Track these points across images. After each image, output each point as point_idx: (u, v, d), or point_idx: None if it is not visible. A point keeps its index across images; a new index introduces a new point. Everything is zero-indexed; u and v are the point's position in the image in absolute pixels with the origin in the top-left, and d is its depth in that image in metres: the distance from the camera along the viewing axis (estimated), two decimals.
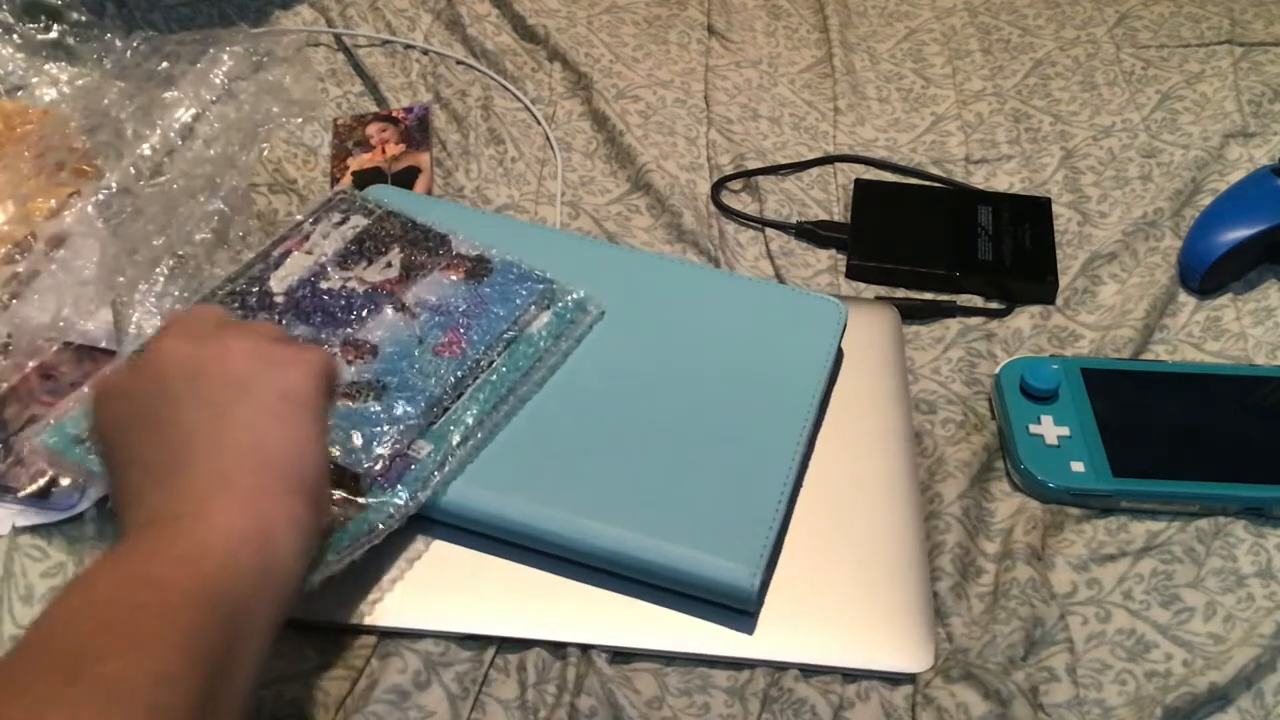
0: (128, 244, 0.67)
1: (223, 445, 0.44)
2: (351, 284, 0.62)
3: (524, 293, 0.62)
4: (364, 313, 0.60)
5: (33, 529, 0.57)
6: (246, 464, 0.44)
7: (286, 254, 0.63)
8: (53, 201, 0.68)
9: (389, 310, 0.60)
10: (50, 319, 0.64)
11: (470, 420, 0.57)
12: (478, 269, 0.63)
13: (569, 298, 0.63)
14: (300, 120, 0.77)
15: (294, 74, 0.77)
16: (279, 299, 0.60)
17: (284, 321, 0.59)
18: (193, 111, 0.74)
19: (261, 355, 0.47)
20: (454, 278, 0.62)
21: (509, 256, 0.64)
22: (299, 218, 0.66)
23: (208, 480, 0.43)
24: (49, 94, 0.75)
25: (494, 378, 0.59)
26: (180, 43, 0.77)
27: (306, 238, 0.64)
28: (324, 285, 0.61)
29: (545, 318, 0.62)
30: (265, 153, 0.74)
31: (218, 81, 0.74)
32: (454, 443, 0.56)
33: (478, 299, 0.61)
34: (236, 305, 0.60)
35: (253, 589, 0.41)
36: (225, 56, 0.76)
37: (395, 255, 0.63)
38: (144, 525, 0.42)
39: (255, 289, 0.61)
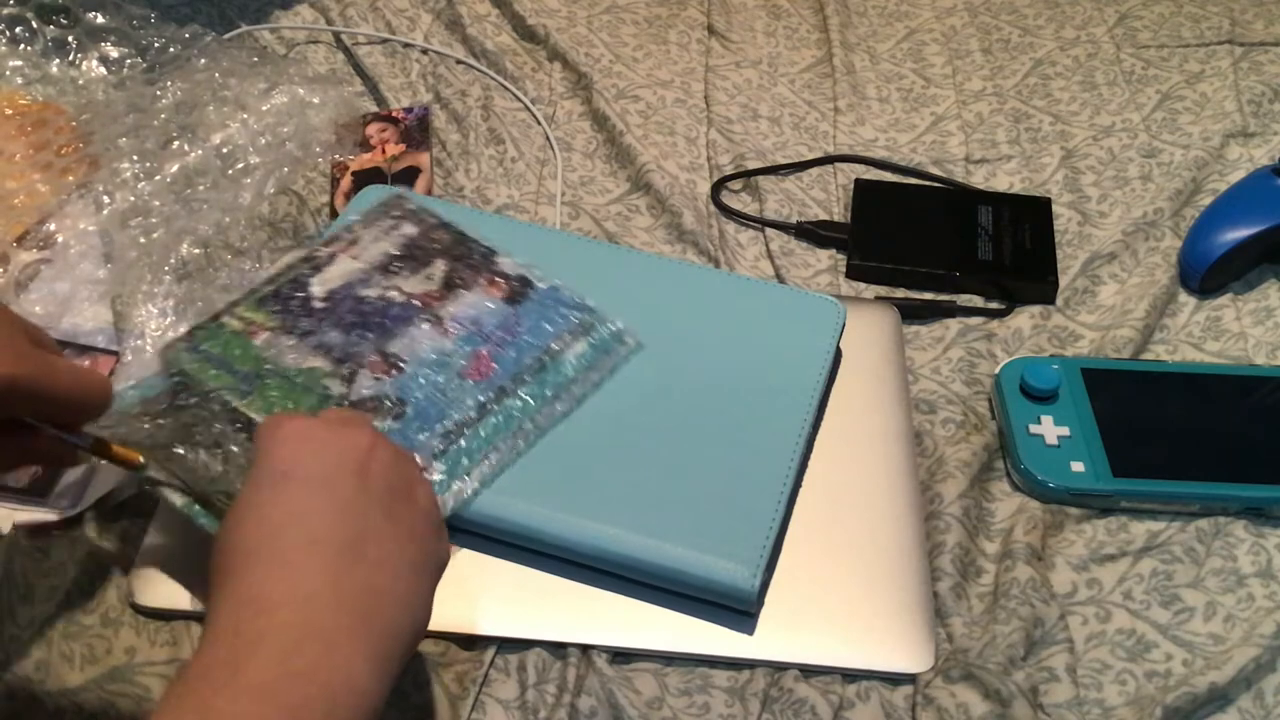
0: (130, 243, 0.67)
1: (383, 570, 0.42)
2: (390, 293, 0.60)
3: (559, 319, 0.61)
4: (397, 325, 0.59)
5: (33, 529, 0.57)
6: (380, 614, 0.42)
7: (333, 257, 0.62)
8: (46, 188, 0.68)
9: (423, 325, 0.59)
10: (50, 315, 0.64)
11: (485, 453, 0.56)
12: (519, 291, 0.62)
13: (606, 328, 0.61)
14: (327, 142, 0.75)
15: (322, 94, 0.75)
16: (319, 304, 0.59)
17: (320, 328, 0.58)
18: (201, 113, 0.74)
19: (437, 524, 0.46)
20: (493, 298, 0.61)
21: (555, 281, 0.63)
22: (352, 218, 0.64)
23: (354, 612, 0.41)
24: (52, 90, 0.75)
25: (517, 404, 0.57)
26: (179, 41, 0.77)
27: (355, 242, 0.63)
28: (363, 293, 0.60)
29: (579, 347, 0.60)
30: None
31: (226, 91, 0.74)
32: (465, 469, 0.55)
33: (513, 322, 0.60)
34: (277, 307, 0.59)
35: None
36: (224, 61, 0.75)
37: (438, 268, 0.62)
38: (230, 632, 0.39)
39: (298, 293, 0.59)
